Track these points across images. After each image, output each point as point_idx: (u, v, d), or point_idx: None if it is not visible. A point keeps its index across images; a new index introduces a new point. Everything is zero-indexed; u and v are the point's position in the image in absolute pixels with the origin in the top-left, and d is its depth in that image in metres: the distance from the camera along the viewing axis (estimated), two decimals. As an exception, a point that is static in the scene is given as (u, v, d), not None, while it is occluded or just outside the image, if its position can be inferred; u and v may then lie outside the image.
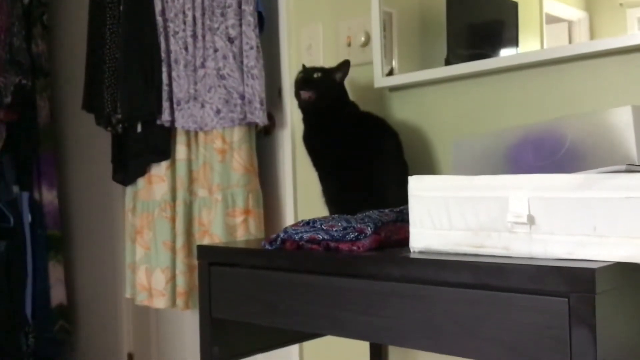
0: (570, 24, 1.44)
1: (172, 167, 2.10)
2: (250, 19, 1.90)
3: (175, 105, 2.04)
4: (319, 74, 1.63)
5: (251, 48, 1.91)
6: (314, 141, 1.64)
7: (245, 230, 1.98)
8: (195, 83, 2.01)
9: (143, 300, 2.14)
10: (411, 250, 1.11)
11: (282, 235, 1.24)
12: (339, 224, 1.18)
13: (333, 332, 1.15)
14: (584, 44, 1.39)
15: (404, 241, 1.18)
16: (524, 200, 0.98)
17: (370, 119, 1.63)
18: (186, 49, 2.02)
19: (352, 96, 1.69)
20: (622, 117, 1.01)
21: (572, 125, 1.10)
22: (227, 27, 1.94)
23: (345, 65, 1.64)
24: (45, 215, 2.81)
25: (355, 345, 1.86)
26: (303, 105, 1.64)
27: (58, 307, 2.81)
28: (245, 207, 1.98)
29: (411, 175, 1.12)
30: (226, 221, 1.98)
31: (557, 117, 1.30)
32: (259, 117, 1.91)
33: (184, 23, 2.02)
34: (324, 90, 1.61)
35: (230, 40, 1.93)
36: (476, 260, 0.97)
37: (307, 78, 1.63)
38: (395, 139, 1.59)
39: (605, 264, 0.89)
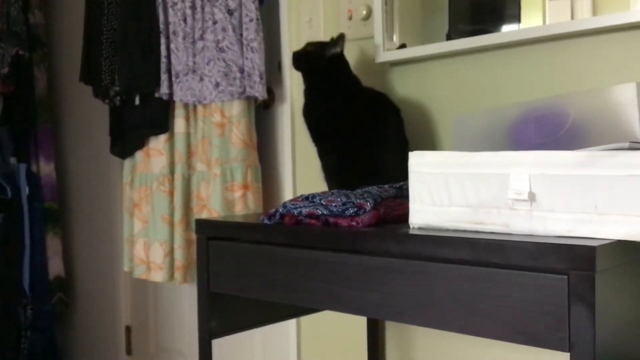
0: (572, -1, 1.42)
1: (171, 141, 2.09)
2: (250, -9, 1.88)
3: (173, 78, 2.03)
4: (312, 48, 1.65)
5: (251, 20, 1.88)
6: (313, 115, 1.63)
7: (243, 205, 1.97)
8: (194, 55, 1.99)
9: (141, 274, 2.15)
10: (410, 226, 1.11)
11: (281, 210, 1.24)
12: (338, 200, 1.17)
13: (331, 307, 1.15)
14: (586, 20, 1.38)
15: (404, 217, 1.18)
16: (525, 177, 0.97)
17: (371, 94, 1.62)
18: (185, 20, 2.00)
19: (353, 70, 1.68)
20: (626, 93, 1.00)
21: (575, 102, 1.09)
22: (226, -1, 1.92)
23: (340, 39, 1.62)
24: (43, 188, 2.80)
25: (353, 320, 1.87)
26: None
27: (56, 279, 2.82)
28: (243, 181, 1.97)
29: (412, 151, 1.12)
30: (225, 196, 1.97)
31: (560, 94, 1.29)
32: (259, 91, 1.89)
33: (183, -6, 2.00)
34: (314, 65, 1.63)
35: (230, 12, 1.91)
36: (476, 237, 0.97)
37: (299, 54, 1.67)
38: (396, 115, 1.58)
39: (605, 242, 0.88)
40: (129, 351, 2.75)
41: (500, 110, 1.22)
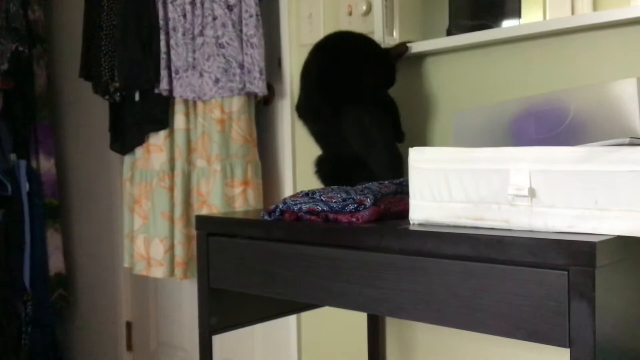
0: (573, -5, 1.42)
1: (171, 137, 2.09)
2: (249, -14, 1.88)
3: (173, 74, 2.02)
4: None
5: (250, 16, 1.88)
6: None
7: (243, 201, 1.97)
8: (194, 51, 1.99)
9: (141, 270, 2.15)
10: (410, 222, 1.11)
11: (281, 206, 1.24)
12: (339, 196, 1.17)
13: (331, 303, 1.15)
14: (587, 15, 1.38)
15: (404, 213, 1.17)
16: (525, 173, 0.97)
17: None
18: (184, 16, 2.00)
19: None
20: (626, 89, 1.00)
21: (575, 97, 1.09)
22: (226, -5, 1.91)
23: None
24: (43, 184, 2.80)
25: (353, 316, 1.87)
26: None
27: (56, 275, 2.82)
28: (244, 177, 1.97)
29: (411, 147, 1.11)
30: (225, 192, 1.97)
31: (560, 89, 1.29)
32: (259, 87, 1.89)
33: (183, -10, 2.00)
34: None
35: (230, 7, 1.91)
36: (476, 233, 0.97)
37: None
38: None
39: (606, 237, 0.88)
40: (129, 347, 2.76)
41: (500, 105, 1.22)
